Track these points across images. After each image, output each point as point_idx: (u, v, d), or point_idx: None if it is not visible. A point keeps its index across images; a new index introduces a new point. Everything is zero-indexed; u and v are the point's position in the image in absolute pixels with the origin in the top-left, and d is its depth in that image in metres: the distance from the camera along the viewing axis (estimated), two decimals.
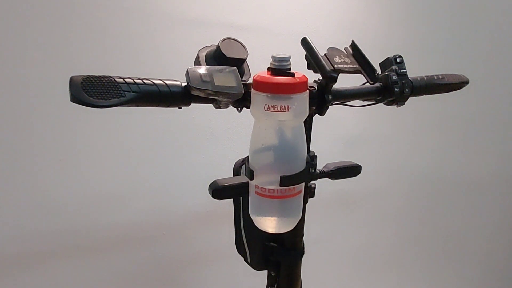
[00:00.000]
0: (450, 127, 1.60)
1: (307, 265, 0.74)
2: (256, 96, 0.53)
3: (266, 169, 0.54)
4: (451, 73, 0.80)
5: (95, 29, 0.95)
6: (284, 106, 0.51)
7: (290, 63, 0.54)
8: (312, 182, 0.66)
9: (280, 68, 0.53)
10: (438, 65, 1.44)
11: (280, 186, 0.54)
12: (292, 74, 0.53)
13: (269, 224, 0.57)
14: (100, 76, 0.48)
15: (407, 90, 0.71)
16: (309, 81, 0.65)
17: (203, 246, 1.18)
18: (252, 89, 0.53)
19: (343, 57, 0.66)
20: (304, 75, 0.55)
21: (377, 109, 0.81)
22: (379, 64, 0.74)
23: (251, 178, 0.56)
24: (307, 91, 0.54)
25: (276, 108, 0.51)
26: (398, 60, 0.72)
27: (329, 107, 0.65)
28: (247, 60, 0.60)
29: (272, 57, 0.53)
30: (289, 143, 0.54)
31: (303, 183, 0.58)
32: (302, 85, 0.53)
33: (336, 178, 0.69)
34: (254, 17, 1.14)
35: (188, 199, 1.13)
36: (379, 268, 1.58)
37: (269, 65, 0.54)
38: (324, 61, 0.61)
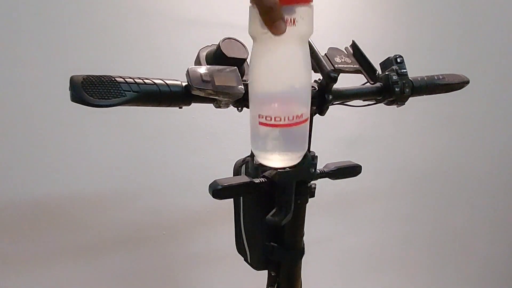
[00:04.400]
0: (450, 127, 1.60)
1: (307, 265, 0.74)
2: (256, 11, 0.46)
3: (271, 95, 0.49)
4: (451, 73, 0.80)
5: (95, 29, 0.95)
6: (290, 20, 0.45)
7: None
8: (312, 182, 0.66)
9: None
10: (438, 65, 1.44)
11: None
12: None
13: (275, 157, 0.52)
14: (100, 76, 0.47)
15: (407, 90, 0.71)
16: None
17: (203, 246, 1.18)
18: (250, 3, 0.47)
19: (343, 57, 0.66)
20: None
21: (377, 109, 0.81)
22: (380, 64, 0.74)
23: (252, 107, 0.51)
24: (313, 3, 0.47)
25: None
26: (398, 60, 0.72)
27: (330, 107, 0.65)
28: (247, 60, 0.60)
29: None
30: (296, 65, 0.48)
31: (308, 111, 0.51)
32: None
33: (336, 178, 0.69)
34: None
35: (188, 199, 1.13)
36: (379, 268, 1.58)
37: None
38: (324, 61, 0.61)
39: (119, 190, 1.05)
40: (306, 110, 0.50)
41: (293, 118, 0.48)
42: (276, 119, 0.48)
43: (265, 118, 0.48)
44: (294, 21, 0.45)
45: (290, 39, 0.46)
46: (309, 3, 0.46)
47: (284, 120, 0.48)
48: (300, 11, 0.45)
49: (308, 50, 0.49)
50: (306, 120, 0.51)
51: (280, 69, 0.48)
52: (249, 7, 0.46)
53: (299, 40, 0.47)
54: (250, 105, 0.51)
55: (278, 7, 0.42)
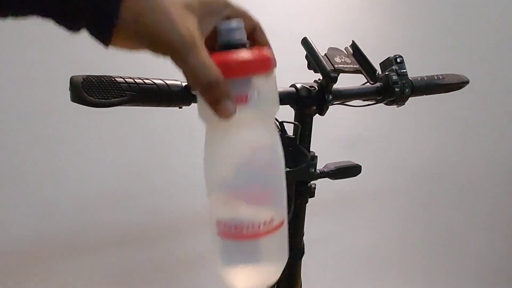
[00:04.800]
0: (450, 127, 1.60)
1: (307, 265, 0.74)
2: None
3: (229, 197, 0.37)
4: (451, 73, 0.80)
5: None
6: (241, 96, 0.34)
7: (244, 34, 0.36)
8: (312, 182, 0.66)
9: (228, 42, 0.35)
10: (438, 65, 1.44)
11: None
12: (247, 46, 0.36)
13: (243, 277, 0.39)
14: (100, 76, 0.48)
15: (407, 90, 0.71)
16: (309, 81, 0.65)
17: (203, 246, 1.18)
18: None
19: (343, 57, 0.66)
20: (269, 48, 0.40)
21: (377, 109, 0.81)
22: (379, 64, 0.74)
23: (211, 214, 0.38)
24: (274, 70, 0.38)
25: None
26: (398, 60, 0.72)
27: (329, 107, 0.65)
28: None
29: (218, 25, 0.35)
30: (258, 153, 0.36)
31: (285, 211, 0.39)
32: (265, 61, 0.36)
33: (336, 178, 0.69)
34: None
35: (188, 199, 1.13)
36: (379, 268, 1.58)
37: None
38: (324, 61, 0.61)
39: (119, 190, 1.05)
40: (279, 212, 0.37)
41: (259, 227, 0.35)
42: (237, 228, 0.35)
43: (224, 226, 0.36)
44: (246, 98, 0.34)
45: (245, 121, 0.35)
46: (266, 71, 0.36)
47: (248, 229, 0.35)
48: (255, 83, 0.34)
49: (275, 130, 0.39)
50: (280, 225, 0.37)
51: (237, 161, 0.36)
52: None
53: (258, 121, 0.36)
54: (209, 205, 0.39)
55: (222, 83, 0.32)
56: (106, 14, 0.32)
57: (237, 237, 0.36)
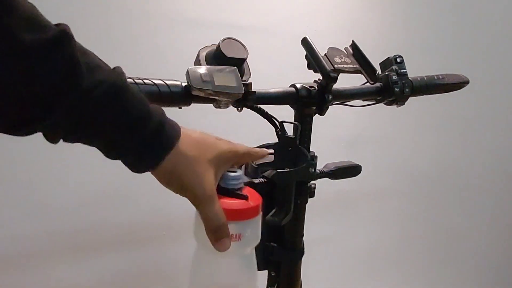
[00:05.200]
0: (450, 127, 1.60)
1: (307, 265, 0.74)
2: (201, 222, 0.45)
3: None
4: (451, 73, 0.80)
5: (95, 29, 0.95)
6: (236, 235, 0.43)
7: (242, 182, 0.48)
8: (312, 182, 0.66)
9: (228, 188, 0.46)
10: (438, 65, 1.44)
11: None
12: (244, 197, 0.45)
13: None
14: None
15: (407, 90, 0.71)
16: (309, 81, 0.65)
17: None
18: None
19: (343, 57, 0.66)
20: (258, 196, 0.48)
21: (377, 109, 0.81)
22: (379, 64, 0.74)
23: None
24: (260, 214, 0.47)
25: None
26: (398, 60, 0.72)
27: (329, 107, 0.65)
28: (247, 60, 0.60)
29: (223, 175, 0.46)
30: (240, 276, 0.47)
31: None
32: (255, 209, 0.46)
33: (336, 178, 0.69)
34: (254, 17, 1.14)
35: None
36: (379, 268, 1.58)
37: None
38: (324, 61, 0.61)
39: (119, 190, 1.05)
40: None
41: None
42: None
43: None
44: (239, 237, 0.44)
45: (234, 253, 0.44)
46: (255, 216, 0.45)
47: None
48: (246, 224, 0.44)
49: (254, 257, 0.48)
50: None
51: (221, 280, 0.45)
52: (195, 212, 0.45)
53: (244, 252, 0.46)
54: None
55: (226, 226, 0.42)
56: (148, 160, 0.40)
57: None
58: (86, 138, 0.37)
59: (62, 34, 0.33)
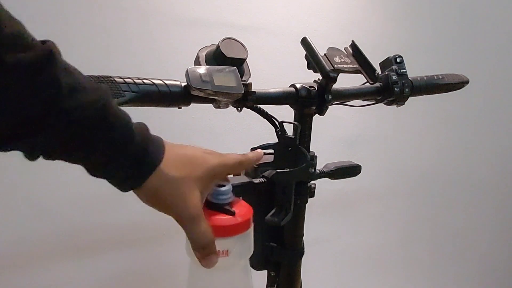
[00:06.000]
0: (450, 127, 1.60)
1: (307, 265, 0.74)
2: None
3: None
4: (451, 73, 0.80)
5: (94, 29, 0.95)
6: (223, 251, 0.43)
7: (230, 196, 0.47)
8: (312, 182, 0.66)
9: (217, 203, 0.46)
10: (438, 65, 1.44)
11: None
12: (232, 212, 0.44)
13: None
14: (99, 76, 0.48)
15: (407, 90, 0.71)
16: (309, 81, 0.65)
17: None
18: None
19: (343, 57, 0.66)
20: (248, 209, 0.47)
21: (377, 109, 0.81)
22: (379, 64, 0.74)
23: None
24: (252, 227, 0.46)
25: None
26: (398, 60, 0.72)
27: (329, 107, 0.65)
28: (247, 60, 0.60)
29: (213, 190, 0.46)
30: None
31: None
32: (243, 224, 0.44)
33: (336, 178, 0.69)
34: (254, 17, 1.14)
35: None
36: (379, 268, 1.58)
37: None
38: (324, 61, 0.61)
39: (119, 190, 1.05)
40: None
41: None
42: None
43: None
44: (227, 253, 0.43)
45: (225, 268, 0.44)
46: (244, 231, 0.44)
47: None
48: (234, 240, 0.43)
49: (247, 272, 0.48)
50: None
51: None
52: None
53: (235, 266, 0.46)
54: None
55: (212, 243, 0.41)
56: (130, 182, 0.40)
57: None
58: (67, 158, 0.37)
59: (46, 54, 0.32)
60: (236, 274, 0.46)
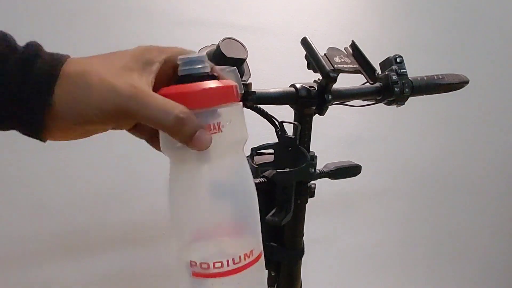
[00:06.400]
0: (450, 127, 1.60)
1: (307, 265, 0.74)
2: None
3: (204, 230, 0.35)
4: (451, 73, 0.80)
5: (95, 29, 0.95)
6: (214, 125, 0.33)
7: (207, 66, 0.34)
8: (312, 182, 0.66)
9: (191, 74, 0.34)
10: (438, 65, 1.44)
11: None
12: (213, 77, 0.34)
13: None
14: None
15: (407, 90, 0.71)
16: (309, 81, 0.65)
17: None
18: None
19: (343, 57, 0.66)
20: (229, 80, 0.37)
21: (377, 109, 0.81)
22: (379, 64, 0.74)
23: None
24: (241, 104, 0.36)
25: None
26: (398, 60, 0.72)
27: (329, 107, 0.65)
28: (247, 60, 0.60)
29: (179, 59, 0.34)
30: (233, 182, 0.36)
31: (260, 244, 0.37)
32: (229, 90, 0.34)
33: (336, 178, 0.69)
34: (254, 17, 1.14)
35: None
36: (379, 268, 1.58)
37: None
38: (324, 61, 0.61)
39: (119, 190, 1.05)
40: (256, 243, 0.36)
41: (239, 260, 0.34)
42: (216, 265, 0.33)
43: (200, 265, 0.33)
44: (219, 126, 0.33)
45: (219, 150, 0.33)
46: (232, 102, 0.34)
47: (228, 264, 0.33)
48: (224, 112, 0.34)
49: (245, 158, 0.37)
50: (258, 257, 0.36)
51: (213, 193, 0.34)
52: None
53: (231, 150, 0.35)
54: (175, 249, 0.36)
55: (189, 116, 0.31)
56: (36, 103, 0.31)
57: (216, 275, 0.33)
58: None
59: None
60: (234, 162, 0.36)
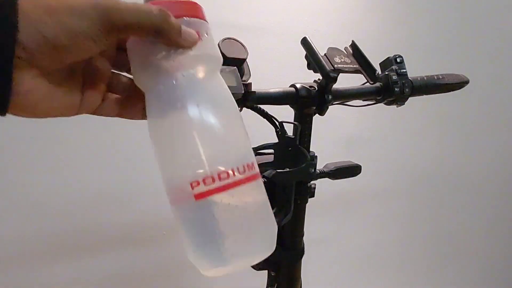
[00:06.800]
0: (450, 127, 1.60)
1: (307, 265, 0.74)
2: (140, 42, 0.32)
3: (204, 143, 0.32)
4: (451, 73, 0.80)
5: None
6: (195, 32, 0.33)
7: None
8: (312, 182, 0.66)
9: None
10: (438, 65, 1.44)
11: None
12: None
13: (231, 249, 0.32)
14: None
15: (407, 90, 0.71)
16: (309, 81, 0.65)
17: None
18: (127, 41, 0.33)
19: (343, 57, 0.66)
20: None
21: (377, 109, 0.81)
22: (379, 64, 0.74)
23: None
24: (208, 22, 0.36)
25: None
26: (398, 60, 0.72)
27: (329, 107, 0.65)
28: (247, 60, 0.60)
29: None
30: (221, 92, 0.35)
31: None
32: (201, 10, 0.36)
33: (336, 178, 0.69)
34: (254, 17, 1.14)
35: None
36: (379, 268, 1.58)
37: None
38: (324, 61, 0.61)
39: (119, 190, 1.05)
40: (251, 157, 0.35)
41: (244, 170, 0.32)
42: (222, 176, 0.31)
43: (203, 181, 0.31)
44: (199, 34, 0.33)
45: (200, 59, 0.33)
46: (204, 21, 0.35)
47: (234, 174, 0.31)
48: (201, 24, 0.34)
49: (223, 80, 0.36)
50: (258, 175, 0.34)
51: (199, 109, 0.32)
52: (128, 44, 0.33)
53: (211, 64, 0.34)
54: (169, 180, 0.35)
55: (167, 14, 0.30)
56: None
57: (222, 189, 0.31)
58: None
59: None
60: (216, 76, 0.35)
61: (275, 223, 0.36)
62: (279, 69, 1.13)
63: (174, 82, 0.32)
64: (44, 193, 0.97)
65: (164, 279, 1.15)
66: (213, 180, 0.31)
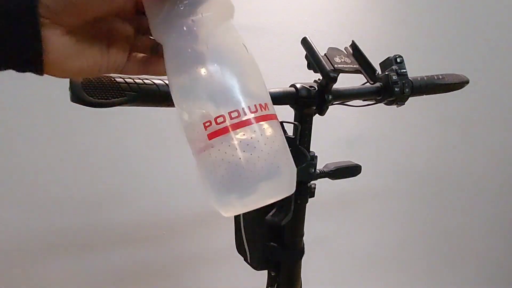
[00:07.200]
0: (450, 127, 1.60)
1: (307, 265, 0.74)
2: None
3: (221, 82, 0.33)
4: (451, 73, 0.80)
5: None
6: None
7: None
8: (312, 182, 0.66)
9: None
10: (438, 65, 1.44)
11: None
12: None
13: (258, 188, 0.33)
14: (100, 76, 0.47)
15: (407, 90, 0.71)
16: (309, 81, 0.65)
17: (203, 246, 1.18)
18: None
19: (343, 57, 0.66)
20: None
21: (377, 109, 0.81)
22: (379, 64, 0.74)
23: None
24: None
25: None
26: (398, 60, 0.72)
27: (329, 107, 0.65)
28: None
29: None
30: (235, 38, 0.36)
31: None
32: None
33: (336, 178, 0.69)
34: (254, 17, 1.14)
35: (188, 199, 1.13)
36: (379, 268, 1.58)
37: None
38: (324, 61, 0.61)
39: (119, 190, 1.05)
40: (268, 100, 0.36)
41: (256, 109, 0.33)
42: (232, 115, 0.32)
43: (215, 120, 0.32)
44: None
45: (209, 6, 0.34)
46: None
47: (245, 113, 0.32)
48: None
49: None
50: (274, 115, 0.35)
51: (221, 46, 0.34)
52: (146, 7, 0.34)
53: (220, 11, 0.35)
54: (187, 125, 0.36)
55: None
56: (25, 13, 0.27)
57: (240, 125, 0.32)
58: None
59: None
60: (228, 23, 0.36)
61: (294, 165, 0.36)
62: (279, 69, 1.13)
63: (185, 28, 0.33)
64: (44, 192, 0.97)
65: (164, 279, 1.15)
66: (224, 119, 0.32)
